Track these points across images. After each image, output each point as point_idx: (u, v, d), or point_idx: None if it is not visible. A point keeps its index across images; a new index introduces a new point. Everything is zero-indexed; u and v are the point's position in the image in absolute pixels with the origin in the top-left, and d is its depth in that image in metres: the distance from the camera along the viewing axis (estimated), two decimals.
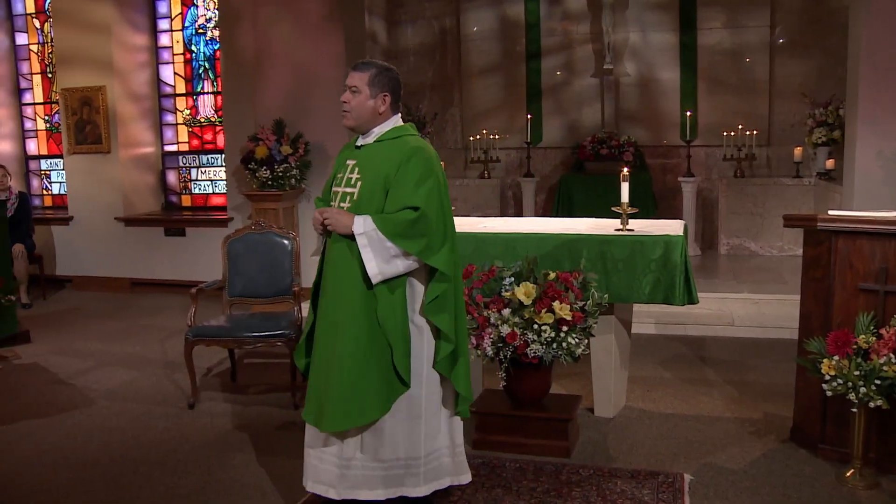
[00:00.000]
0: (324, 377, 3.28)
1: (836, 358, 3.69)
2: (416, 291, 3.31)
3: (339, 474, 3.33)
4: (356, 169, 3.32)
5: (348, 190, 3.30)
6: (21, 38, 10.49)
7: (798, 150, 8.97)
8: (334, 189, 3.40)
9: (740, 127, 9.20)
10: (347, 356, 3.20)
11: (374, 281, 3.17)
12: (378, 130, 3.35)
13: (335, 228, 3.21)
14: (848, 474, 3.82)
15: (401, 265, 3.19)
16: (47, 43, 10.32)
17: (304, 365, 3.52)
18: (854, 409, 3.71)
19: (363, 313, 3.21)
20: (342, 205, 3.29)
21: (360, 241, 3.14)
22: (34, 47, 10.46)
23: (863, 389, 3.61)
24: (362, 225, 3.15)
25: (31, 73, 10.54)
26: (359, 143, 3.41)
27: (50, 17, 9.95)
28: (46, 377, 5.95)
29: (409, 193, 3.18)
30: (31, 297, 8.73)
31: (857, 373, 3.62)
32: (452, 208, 3.45)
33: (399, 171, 3.21)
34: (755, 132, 9.16)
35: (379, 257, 3.15)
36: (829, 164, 8.55)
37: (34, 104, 10.56)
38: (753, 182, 9.18)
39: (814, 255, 4.13)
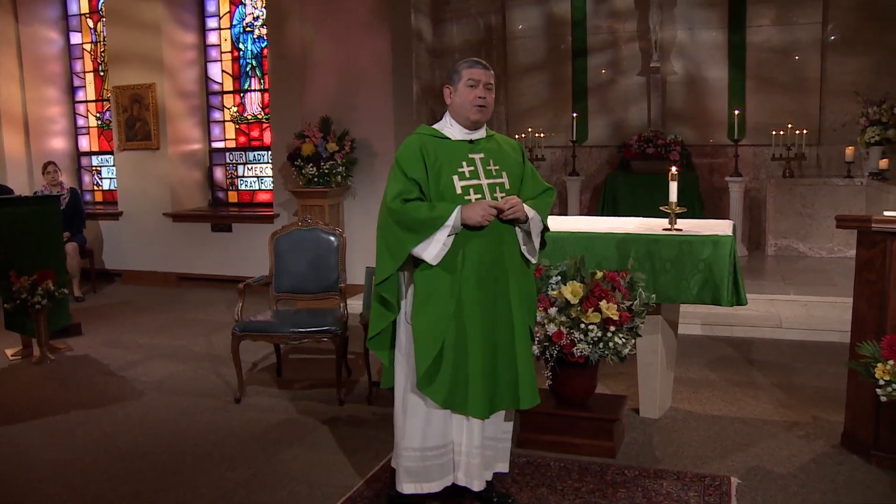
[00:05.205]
0: (505, 363, 3.33)
1: (890, 362, 3.61)
2: None
3: (492, 455, 3.48)
4: (490, 161, 3.38)
5: (497, 180, 3.36)
6: (75, 38, 10.74)
7: (850, 150, 8.78)
8: (466, 182, 3.28)
9: (789, 126, 9.04)
10: (525, 337, 3.37)
11: (536, 259, 3.46)
12: (484, 125, 3.48)
13: (518, 214, 3.27)
14: None
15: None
16: (100, 42, 10.54)
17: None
18: None
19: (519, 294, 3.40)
20: (494, 195, 3.32)
21: (534, 221, 3.34)
22: (87, 46, 10.70)
23: None
24: (532, 210, 3.35)
25: (84, 72, 10.78)
26: (469, 137, 3.39)
27: (103, 16, 10.15)
28: (97, 369, 6.09)
29: (539, 178, 3.54)
30: (82, 290, 8.93)
31: None
32: None
33: (525, 160, 3.53)
34: (805, 131, 8.98)
35: (537, 236, 3.40)
36: (883, 163, 8.36)
37: (86, 101, 10.80)
38: (803, 182, 9.01)
39: (868, 258, 4.05)
